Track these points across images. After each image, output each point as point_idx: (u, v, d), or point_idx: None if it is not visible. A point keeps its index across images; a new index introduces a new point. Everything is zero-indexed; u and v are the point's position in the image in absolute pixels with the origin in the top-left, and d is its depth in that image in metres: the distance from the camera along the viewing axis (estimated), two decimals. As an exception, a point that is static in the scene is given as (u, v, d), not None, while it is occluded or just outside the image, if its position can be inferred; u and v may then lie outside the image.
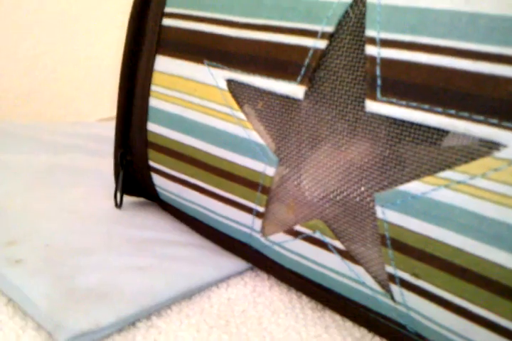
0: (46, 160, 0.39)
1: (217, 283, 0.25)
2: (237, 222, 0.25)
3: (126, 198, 0.35)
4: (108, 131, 0.49)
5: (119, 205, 0.32)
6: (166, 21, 0.26)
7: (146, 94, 0.28)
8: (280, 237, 0.23)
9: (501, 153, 0.14)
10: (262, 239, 0.24)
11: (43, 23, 0.61)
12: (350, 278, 0.20)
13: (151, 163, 0.29)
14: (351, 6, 0.18)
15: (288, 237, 0.22)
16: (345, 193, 0.19)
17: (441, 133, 0.16)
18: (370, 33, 0.17)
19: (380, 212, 0.17)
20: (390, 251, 0.18)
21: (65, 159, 0.40)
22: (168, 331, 0.21)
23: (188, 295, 0.23)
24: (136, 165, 0.31)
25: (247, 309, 0.23)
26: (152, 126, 0.28)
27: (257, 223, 0.24)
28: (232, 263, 0.26)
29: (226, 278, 0.25)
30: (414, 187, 0.16)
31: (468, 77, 0.15)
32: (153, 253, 0.26)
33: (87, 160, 0.40)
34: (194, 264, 0.25)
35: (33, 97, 0.63)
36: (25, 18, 0.59)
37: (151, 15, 0.27)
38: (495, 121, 0.14)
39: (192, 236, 0.29)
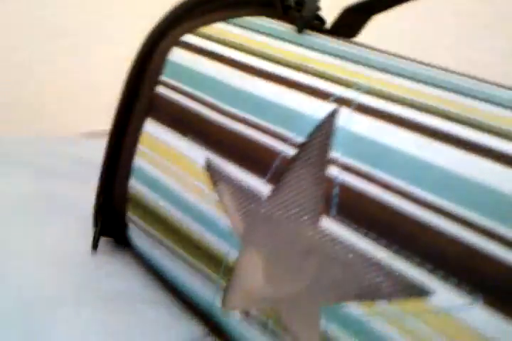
0: (26, 187, 0.40)
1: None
2: (201, 291, 0.26)
3: (103, 237, 0.35)
4: (94, 151, 0.48)
5: (94, 249, 0.33)
6: (160, 89, 0.28)
7: (133, 151, 0.29)
8: (237, 316, 0.24)
9: (430, 298, 0.15)
10: (222, 313, 0.25)
11: (38, 36, 0.63)
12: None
13: (129, 215, 0.30)
14: (323, 123, 0.19)
15: (244, 318, 0.23)
16: (296, 297, 0.20)
17: (382, 266, 0.17)
18: (333, 153, 0.18)
19: (323, 324, 0.18)
20: (328, 359, 0.18)
21: (45, 185, 0.40)
22: None
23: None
24: (115, 213, 0.32)
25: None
26: (133, 182, 0.29)
27: (218, 297, 0.25)
28: (194, 327, 0.27)
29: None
30: (354, 307, 0.17)
31: (411, 220, 0.16)
32: (121, 312, 0.27)
33: (69, 187, 0.41)
34: (160, 327, 0.26)
35: (18, 108, 0.63)
36: (19, 29, 0.61)
37: (146, 79, 0.29)
38: (429, 267, 0.15)
39: (161, 291, 0.30)
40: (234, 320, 0.24)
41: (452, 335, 0.14)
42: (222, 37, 0.27)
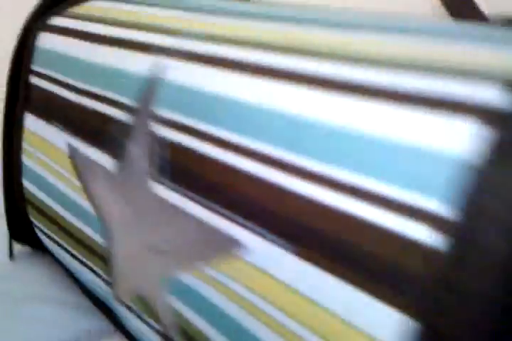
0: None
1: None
2: (97, 286, 0.24)
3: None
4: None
5: (11, 256, 0.32)
6: (32, 78, 0.26)
7: (19, 149, 0.27)
8: (121, 308, 0.22)
9: (245, 255, 0.13)
10: (116, 305, 0.23)
11: None
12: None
13: (31, 217, 0.29)
14: (150, 80, 0.17)
15: (123, 309, 0.21)
16: (145, 273, 0.18)
17: (206, 225, 0.15)
18: (157, 110, 0.16)
19: (169, 298, 0.16)
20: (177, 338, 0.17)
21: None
22: None
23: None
24: (23, 217, 0.30)
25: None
26: (26, 182, 0.28)
27: (109, 291, 0.23)
28: (100, 327, 0.25)
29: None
30: (184, 276, 0.15)
31: (219, 167, 0.14)
32: (19, 313, 0.26)
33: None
34: (58, 326, 0.25)
35: None
36: None
37: (23, 70, 0.27)
38: (239, 218, 0.13)
39: (73, 292, 0.29)
40: (121, 313, 0.23)
41: (266, 294, 0.13)
42: (86, 14, 0.25)
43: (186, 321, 0.16)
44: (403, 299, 0.10)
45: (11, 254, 0.32)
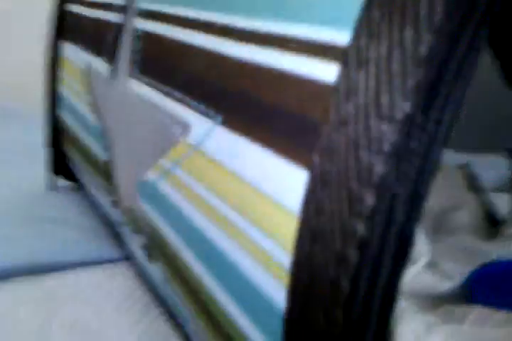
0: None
1: (75, 267, 0.25)
2: (110, 213, 0.25)
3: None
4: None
5: (52, 188, 0.33)
6: (71, 6, 0.27)
7: (57, 80, 0.28)
8: (127, 235, 0.22)
9: (189, 137, 0.12)
10: (124, 235, 0.23)
11: None
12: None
13: (65, 149, 0.30)
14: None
15: (128, 234, 0.21)
16: (129, 181, 0.17)
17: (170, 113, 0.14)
18: (138, 3, 0.16)
19: (141, 202, 0.16)
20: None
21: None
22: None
23: (33, 271, 0.23)
24: (60, 149, 0.31)
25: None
26: (61, 112, 0.28)
27: (117, 213, 0.23)
28: (112, 253, 0.26)
29: (92, 265, 0.25)
30: (150, 174, 0.14)
31: (174, 45, 0.13)
32: (35, 229, 0.27)
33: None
34: (71, 247, 0.26)
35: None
36: None
37: (64, 3, 0.28)
38: (184, 96, 0.12)
39: (98, 222, 0.29)
40: (128, 238, 0.22)
41: (201, 175, 0.11)
42: None
43: (153, 226, 0.15)
44: (302, 150, 0.08)
45: (51, 185, 0.33)
